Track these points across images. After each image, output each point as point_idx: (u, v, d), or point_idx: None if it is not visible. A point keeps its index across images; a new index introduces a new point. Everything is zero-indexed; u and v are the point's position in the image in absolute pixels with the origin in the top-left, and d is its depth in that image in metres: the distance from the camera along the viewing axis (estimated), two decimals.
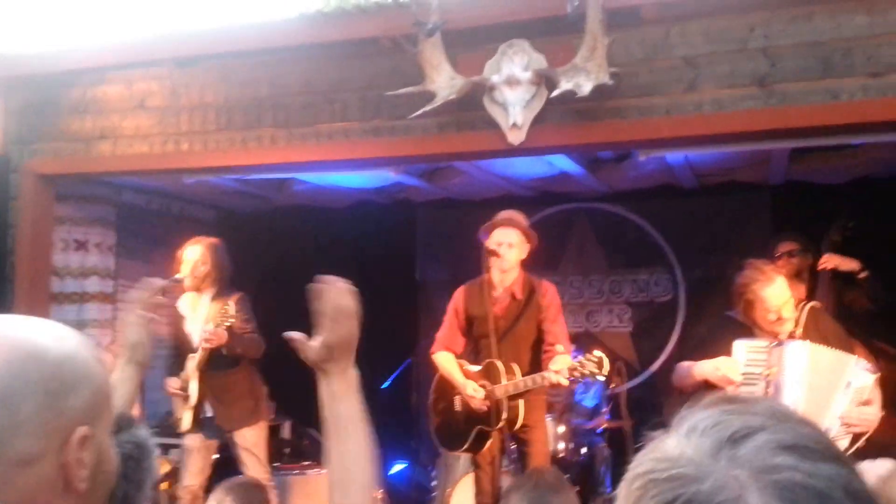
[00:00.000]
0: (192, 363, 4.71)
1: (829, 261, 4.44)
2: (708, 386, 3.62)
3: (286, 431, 6.14)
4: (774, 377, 3.44)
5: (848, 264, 4.39)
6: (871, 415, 3.41)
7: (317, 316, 1.41)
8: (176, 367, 4.85)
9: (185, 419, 4.74)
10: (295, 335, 1.44)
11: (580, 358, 3.89)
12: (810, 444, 0.67)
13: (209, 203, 6.48)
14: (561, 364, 3.94)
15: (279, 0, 4.39)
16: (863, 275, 4.37)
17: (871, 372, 3.43)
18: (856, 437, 3.41)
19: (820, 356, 3.46)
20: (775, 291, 3.51)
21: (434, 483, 5.60)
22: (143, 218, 6.06)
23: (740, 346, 3.56)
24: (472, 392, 4.11)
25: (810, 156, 4.65)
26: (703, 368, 3.61)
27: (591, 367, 3.82)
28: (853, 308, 4.41)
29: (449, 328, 4.36)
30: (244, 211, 6.60)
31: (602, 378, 3.94)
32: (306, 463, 5.73)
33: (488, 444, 4.17)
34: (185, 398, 4.74)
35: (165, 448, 5.12)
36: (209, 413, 4.80)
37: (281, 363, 5.57)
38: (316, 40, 4.22)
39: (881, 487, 1.63)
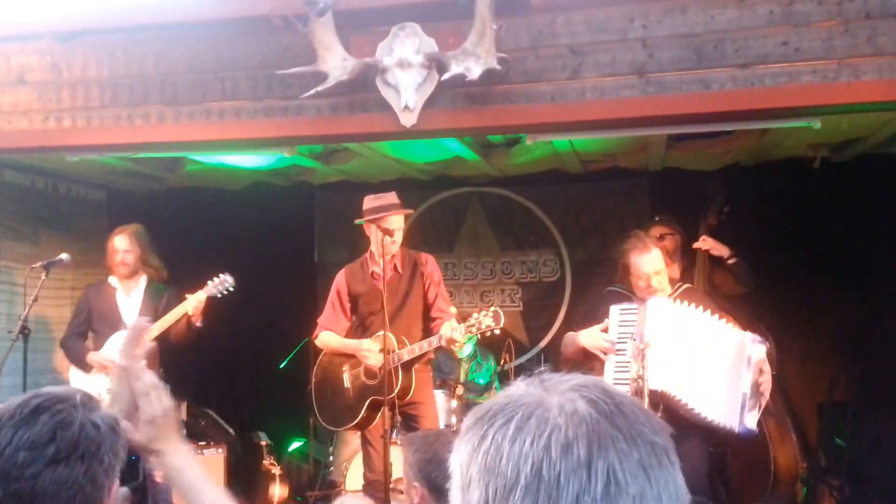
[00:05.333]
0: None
1: (705, 242, 4.73)
2: (587, 354, 3.84)
3: (182, 412, 6.07)
4: (640, 333, 3.66)
5: (719, 250, 4.70)
6: (769, 381, 3.71)
7: (130, 397, 1.46)
8: (83, 342, 4.85)
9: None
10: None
11: (476, 314, 3.97)
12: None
13: (98, 183, 6.26)
14: (454, 324, 4.04)
15: None
16: (732, 261, 4.68)
17: (761, 343, 3.70)
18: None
19: (687, 314, 3.70)
20: (647, 259, 3.76)
21: (331, 458, 5.66)
22: (26, 198, 5.80)
23: (615, 311, 3.81)
24: (368, 346, 4.17)
25: (685, 143, 4.90)
26: (583, 339, 3.86)
27: (488, 322, 3.91)
28: (722, 288, 4.70)
29: (332, 310, 4.40)
30: (137, 192, 6.42)
31: (498, 331, 4.00)
32: (202, 443, 5.71)
33: (379, 416, 4.19)
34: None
35: None
36: None
37: (171, 347, 5.50)
38: (204, 17, 4.15)
39: None
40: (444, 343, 4.02)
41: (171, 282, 5.09)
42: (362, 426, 4.28)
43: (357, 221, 4.34)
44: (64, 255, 4.72)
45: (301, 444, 6.29)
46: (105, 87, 4.39)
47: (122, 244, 4.88)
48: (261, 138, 4.35)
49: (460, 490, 0.82)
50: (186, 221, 6.46)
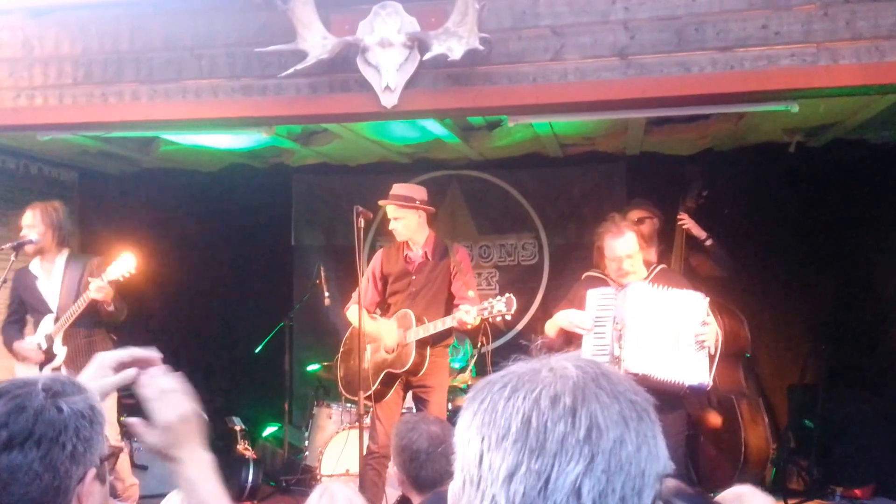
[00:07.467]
0: (52, 322, 4.50)
1: (686, 221, 4.78)
2: (567, 338, 3.86)
3: None
4: (620, 317, 3.69)
5: (698, 231, 4.75)
6: (712, 331, 3.73)
7: (144, 404, 1.35)
8: (17, 330, 4.64)
9: None
10: (133, 421, 1.35)
11: (490, 299, 4.05)
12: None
13: (71, 164, 6.15)
14: (468, 307, 4.10)
15: None
16: (708, 242, 4.74)
17: (703, 297, 3.76)
18: (711, 358, 3.71)
19: (662, 294, 3.74)
20: (620, 243, 3.78)
21: (307, 443, 5.64)
22: None
23: (591, 295, 3.82)
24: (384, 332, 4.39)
25: (663, 127, 4.93)
26: (559, 319, 3.90)
27: (500, 307, 3.99)
28: (698, 271, 4.76)
29: (363, 286, 4.47)
30: (109, 173, 6.31)
31: (509, 317, 4.09)
32: None
33: (394, 388, 4.36)
34: (45, 360, 4.50)
35: None
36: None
37: (147, 330, 5.42)
38: None
39: None
40: (455, 323, 4.13)
41: (96, 252, 4.83)
42: (376, 398, 4.37)
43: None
44: (33, 236, 4.58)
45: (276, 428, 6.26)
46: (78, 64, 4.29)
47: (25, 220, 4.54)
48: (238, 118, 4.28)
49: (462, 450, 0.88)
50: (160, 203, 6.38)
